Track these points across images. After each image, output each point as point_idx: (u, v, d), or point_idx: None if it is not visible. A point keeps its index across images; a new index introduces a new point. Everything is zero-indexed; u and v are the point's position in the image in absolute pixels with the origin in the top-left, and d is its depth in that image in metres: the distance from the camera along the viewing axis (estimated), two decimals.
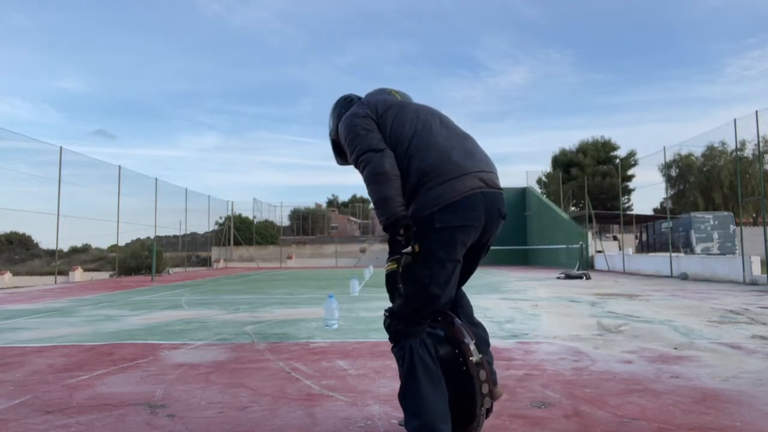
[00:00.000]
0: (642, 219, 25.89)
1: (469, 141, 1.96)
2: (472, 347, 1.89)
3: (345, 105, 2.21)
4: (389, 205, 1.78)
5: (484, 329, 2.11)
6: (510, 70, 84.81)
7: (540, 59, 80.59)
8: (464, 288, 2.19)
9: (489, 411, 1.97)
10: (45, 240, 18.03)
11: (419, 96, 2.30)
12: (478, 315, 2.25)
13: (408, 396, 1.79)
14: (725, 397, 2.73)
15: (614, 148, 39.90)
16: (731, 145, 27.68)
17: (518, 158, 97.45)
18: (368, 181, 1.83)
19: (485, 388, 1.89)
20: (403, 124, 1.92)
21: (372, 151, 1.84)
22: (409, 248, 1.78)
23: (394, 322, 1.86)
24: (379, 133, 1.92)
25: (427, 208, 1.77)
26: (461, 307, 2.10)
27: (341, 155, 2.19)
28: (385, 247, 1.99)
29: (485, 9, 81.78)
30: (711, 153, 31.55)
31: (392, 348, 1.88)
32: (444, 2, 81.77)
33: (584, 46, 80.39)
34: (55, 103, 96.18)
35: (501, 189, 1.93)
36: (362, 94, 2.29)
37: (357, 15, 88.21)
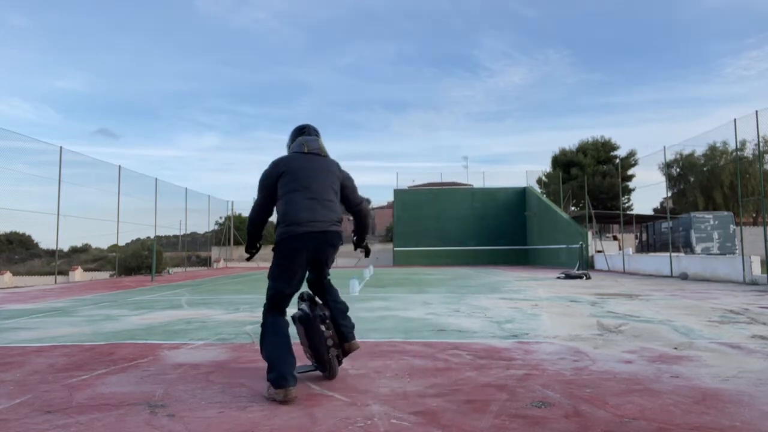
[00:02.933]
0: (642, 219, 25.89)
1: (318, 202, 3.07)
2: (324, 314, 3.12)
3: (295, 134, 3.40)
4: (249, 238, 3.30)
5: (344, 304, 3.29)
6: (509, 70, 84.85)
7: (538, 59, 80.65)
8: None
9: (339, 358, 3.16)
10: (45, 240, 17.97)
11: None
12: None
13: (263, 352, 2.95)
14: (725, 397, 2.73)
15: (614, 148, 39.86)
16: (732, 145, 27.69)
17: (518, 158, 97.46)
18: (249, 216, 3.27)
19: (330, 342, 3.06)
20: (285, 184, 3.09)
21: (259, 205, 3.19)
22: (254, 254, 3.36)
23: (264, 306, 3.07)
24: (274, 187, 3.12)
25: (279, 238, 3.01)
26: (329, 293, 3.28)
27: None
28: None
29: (483, 9, 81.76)
30: (712, 153, 31.56)
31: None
32: (442, 3, 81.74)
33: (583, 46, 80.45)
34: (56, 103, 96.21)
35: (333, 230, 3.08)
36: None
37: (355, 15, 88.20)
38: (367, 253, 3.67)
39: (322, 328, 3.04)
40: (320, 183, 3.13)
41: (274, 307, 3.02)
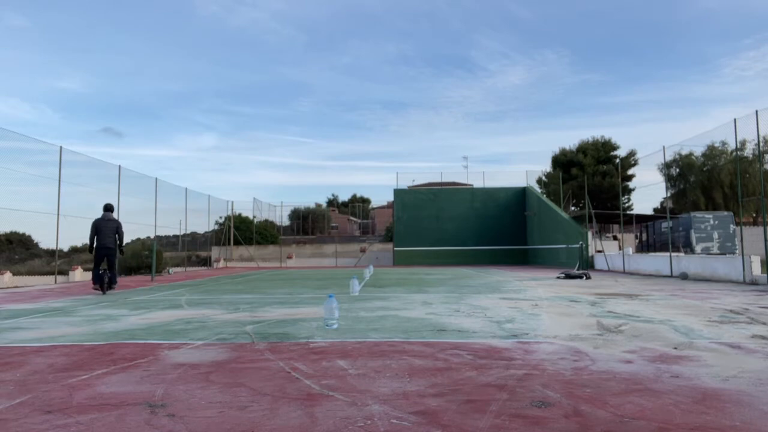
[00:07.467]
0: (642, 219, 25.90)
1: (106, 237, 10.81)
2: (108, 274, 10.71)
3: (104, 210, 11.17)
4: (90, 246, 10.89)
5: (115, 276, 11.11)
6: (507, 70, 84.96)
7: (536, 60, 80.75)
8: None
9: (106, 289, 10.63)
10: (45, 240, 17.94)
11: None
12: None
13: (93, 277, 10.69)
14: (725, 396, 2.73)
15: (614, 147, 39.84)
16: (731, 145, 27.69)
17: (518, 158, 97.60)
18: (89, 238, 10.92)
19: (107, 281, 10.65)
20: (96, 232, 10.80)
21: (91, 237, 10.84)
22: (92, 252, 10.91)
23: (93, 265, 10.85)
24: (95, 230, 10.79)
25: (94, 248, 10.82)
26: (112, 271, 10.89)
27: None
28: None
29: (480, 10, 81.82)
30: (711, 152, 31.56)
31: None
32: (439, 3, 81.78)
33: (581, 46, 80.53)
34: (55, 104, 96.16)
35: (111, 246, 10.87)
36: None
37: (354, 16, 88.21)
38: (121, 253, 11.41)
39: (105, 278, 10.49)
40: (108, 232, 10.76)
41: (96, 266, 10.57)
